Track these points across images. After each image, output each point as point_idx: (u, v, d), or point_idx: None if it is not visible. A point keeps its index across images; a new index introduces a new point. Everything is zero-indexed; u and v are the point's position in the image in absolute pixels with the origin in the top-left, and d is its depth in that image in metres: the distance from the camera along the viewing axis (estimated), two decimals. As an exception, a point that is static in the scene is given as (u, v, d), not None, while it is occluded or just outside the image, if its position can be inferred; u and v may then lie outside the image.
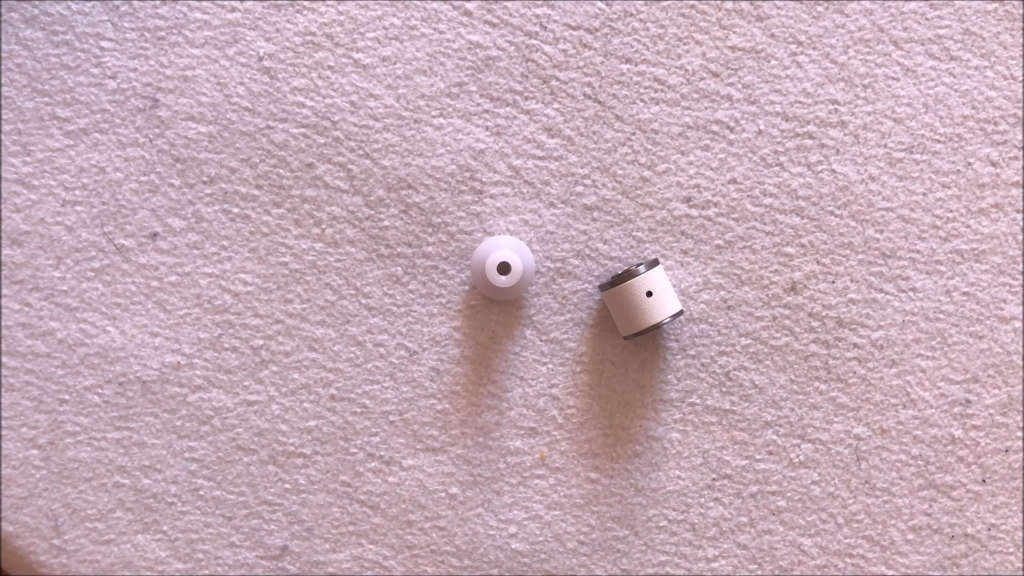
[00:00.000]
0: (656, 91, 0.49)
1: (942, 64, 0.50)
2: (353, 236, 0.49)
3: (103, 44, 0.49)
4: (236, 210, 0.49)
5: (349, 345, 0.49)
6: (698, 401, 0.50)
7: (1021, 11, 0.50)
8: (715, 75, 0.49)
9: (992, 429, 0.50)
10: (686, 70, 0.49)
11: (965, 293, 0.50)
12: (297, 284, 0.49)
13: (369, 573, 0.49)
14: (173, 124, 0.49)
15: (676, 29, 0.49)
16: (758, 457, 0.50)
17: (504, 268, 0.46)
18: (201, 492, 0.49)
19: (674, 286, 0.49)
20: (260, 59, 0.49)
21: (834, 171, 0.50)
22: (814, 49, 0.50)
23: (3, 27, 0.49)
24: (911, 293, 0.50)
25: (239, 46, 0.49)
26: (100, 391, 0.49)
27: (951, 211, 0.50)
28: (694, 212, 0.50)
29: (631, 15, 0.49)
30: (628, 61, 0.49)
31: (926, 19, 0.50)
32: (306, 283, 0.49)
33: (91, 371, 0.49)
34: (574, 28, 0.49)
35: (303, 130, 0.49)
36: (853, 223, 0.50)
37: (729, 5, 0.49)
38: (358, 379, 0.49)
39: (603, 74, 0.49)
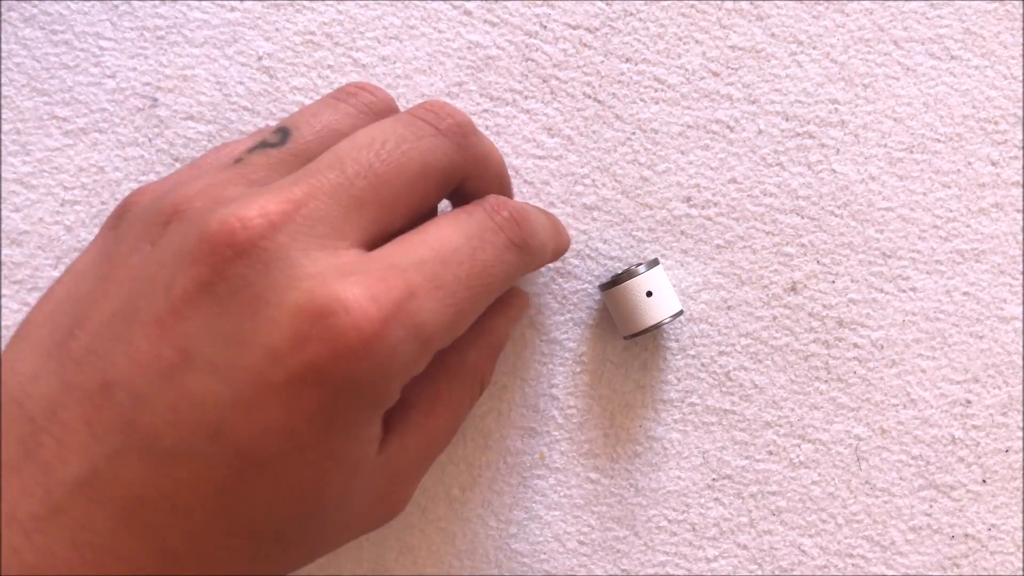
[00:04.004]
0: (656, 90, 0.49)
1: (942, 64, 0.50)
2: (353, 236, 0.49)
3: (102, 43, 0.49)
4: (235, 210, 0.49)
5: (349, 345, 0.49)
6: (698, 401, 0.50)
7: (1021, 11, 0.50)
8: (715, 74, 0.49)
9: (992, 429, 0.50)
10: (686, 69, 0.49)
11: (965, 293, 0.50)
12: (297, 284, 0.49)
13: (369, 573, 0.49)
14: (172, 123, 0.49)
15: (676, 28, 0.49)
16: (758, 457, 0.50)
17: (504, 268, 0.46)
18: (200, 492, 0.49)
19: (674, 286, 0.49)
20: (259, 58, 0.49)
21: (834, 171, 0.50)
22: (814, 49, 0.49)
23: (3, 27, 0.49)
24: (911, 293, 0.50)
25: (238, 45, 0.49)
26: (99, 391, 0.49)
27: (951, 211, 0.50)
28: (694, 212, 0.49)
29: (631, 14, 0.49)
30: (628, 60, 0.49)
31: (926, 19, 0.50)
32: (306, 283, 0.49)
33: (90, 371, 0.49)
34: (574, 27, 0.49)
35: (303, 130, 0.49)
36: (853, 223, 0.50)
37: (729, 5, 0.49)
38: (358, 379, 0.49)
39: (603, 74, 0.49)
